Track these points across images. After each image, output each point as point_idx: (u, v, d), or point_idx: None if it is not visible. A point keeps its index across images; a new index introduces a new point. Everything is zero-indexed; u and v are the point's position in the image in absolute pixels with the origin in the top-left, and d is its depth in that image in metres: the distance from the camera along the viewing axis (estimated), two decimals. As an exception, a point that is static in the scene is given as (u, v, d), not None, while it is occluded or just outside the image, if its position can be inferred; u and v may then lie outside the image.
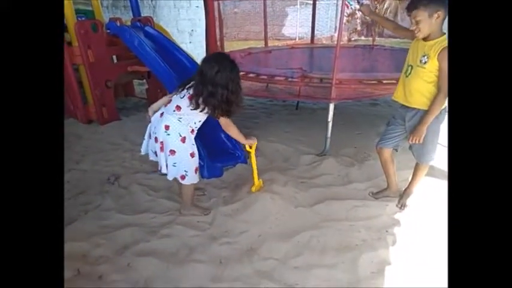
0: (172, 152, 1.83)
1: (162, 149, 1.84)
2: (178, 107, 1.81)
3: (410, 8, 1.63)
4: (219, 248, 1.77)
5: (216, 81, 1.71)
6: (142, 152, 2.03)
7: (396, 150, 2.10)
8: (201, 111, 1.78)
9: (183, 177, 1.90)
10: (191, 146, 1.88)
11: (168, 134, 1.81)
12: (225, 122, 1.88)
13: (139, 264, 1.65)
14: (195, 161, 1.92)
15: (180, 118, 1.81)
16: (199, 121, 1.90)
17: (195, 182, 1.96)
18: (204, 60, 1.80)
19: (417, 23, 1.63)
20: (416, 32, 1.67)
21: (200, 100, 1.74)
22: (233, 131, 1.94)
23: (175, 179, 1.94)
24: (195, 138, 1.93)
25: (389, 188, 2.18)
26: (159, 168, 1.91)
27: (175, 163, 1.86)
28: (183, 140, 1.83)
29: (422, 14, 1.60)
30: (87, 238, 1.82)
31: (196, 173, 1.94)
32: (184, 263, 1.67)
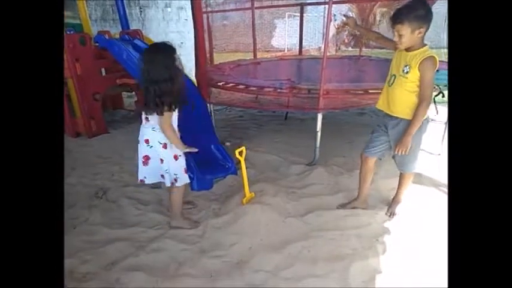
0: (161, 160, 1.87)
1: (145, 163, 1.88)
2: (146, 118, 1.84)
3: (394, 21, 1.67)
4: (209, 262, 1.75)
5: (153, 79, 1.69)
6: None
7: (380, 159, 2.12)
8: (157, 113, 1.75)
9: (176, 181, 1.93)
10: (172, 149, 1.89)
11: (151, 147, 1.85)
12: (162, 120, 1.77)
13: (128, 280, 1.62)
14: (180, 162, 1.93)
15: (154, 128, 1.83)
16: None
17: (187, 181, 1.99)
18: (140, 65, 1.77)
19: (400, 36, 1.68)
20: (398, 43, 1.73)
21: (151, 104, 1.74)
22: (168, 132, 1.80)
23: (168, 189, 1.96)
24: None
25: (359, 198, 2.17)
26: (159, 184, 1.95)
27: (167, 170, 1.89)
28: (165, 146, 1.85)
29: (405, 29, 1.65)
30: (74, 254, 1.78)
31: (186, 173, 1.96)
32: (174, 278, 1.64)
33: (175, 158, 1.90)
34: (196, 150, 1.97)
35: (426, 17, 1.63)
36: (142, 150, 1.87)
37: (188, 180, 1.99)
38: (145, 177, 1.94)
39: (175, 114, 1.85)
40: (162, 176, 1.93)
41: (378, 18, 11.50)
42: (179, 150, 1.89)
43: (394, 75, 1.82)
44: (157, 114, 1.75)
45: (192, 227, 2.04)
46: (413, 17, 1.62)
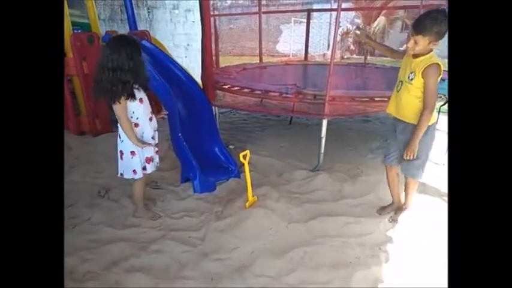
0: (133, 152, 1.93)
1: (121, 157, 1.95)
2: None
3: (416, 32, 1.67)
4: (210, 265, 1.73)
5: (108, 66, 1.72)
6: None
7: None
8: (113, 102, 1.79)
9: (144, 169, 2.00)
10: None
11: (122, 141, 1.92)
12: (116, 108, 1.81)
13: (128, 281, 1.61)
14: (146, 151, 1.97)
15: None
16: (133, 111, 1.88)
17: (151, 170, 2.03)
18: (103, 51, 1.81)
19: (415, 44, 1.70)
20: (410, 49, 1.74)
21: (103, 91, 1.78)
22: (123, 120, 1.84)
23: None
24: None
25: (394, 203, 2.19)
26: (130, 175, 1.99)
27: (140, 161, 1.97)
28: None
29: (422, 41, 1.67)
30: (74, 253, 1.77)
31: (149, 162, 2.01)
32: (175, 280, 1.63)
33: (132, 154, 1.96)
34: (152, 144, 2.00)
35: (445, 33, 1.65)
36: (118, 145, 1.96)
37: (149, 171, 2.02)
38: (123, 171, 2.00)
39: (140, 105, 1.89)
40: (143, 167, 1.98)
41: (374, 25, 11.57)
42: (133, 144, 1.89)
43: (402, 82, 1.85)
44: (108, 101, 1.79)
45: (151, 219, 2.12)
46: (435, 32, 1.64)
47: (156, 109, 4.53)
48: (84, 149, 3.30)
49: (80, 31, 3.66)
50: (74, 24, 3.52)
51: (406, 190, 2.10)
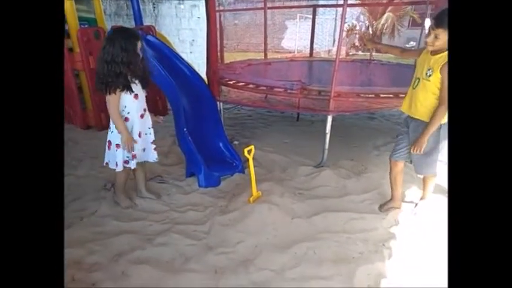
0: (118, 145, 1.96)
1: (109, 147, 2.00)
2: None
3: (437, 25, 1.64)
4: (214, 258, 1.75)
5: (104, 59, 1.77)
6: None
7: (410, 162, 2.12)
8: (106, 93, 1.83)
9: (127, 162, 2.03)
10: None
11: (112, 132, 1.97)
12: (108, 100, 1.85)
13: (134, 272, 1.64)
14: (136, 146, 2.00)
15: None
16: (125, 105, 1.92)
17: (134, 166, 2.05)
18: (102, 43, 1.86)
19: (436, 38, 1.67)
20: (429, 44, 1.71)
21: (99, 82, 1.82)
22: (112, 112, 1.87)
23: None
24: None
25: (394, 200, 2.20)
26: (114, 166, 2.03)
27: (127, 155, 2.01)
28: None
29: (443, 34, 1.63)
30: (81, 245, 1.80)
31: (134, 158, 2.03)
32: (180, 272, 1.65)
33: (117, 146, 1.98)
34: (136, 141, 1.99)
35: None
36: (108, 135, 1.99)
37: (131, 166, 2.04)
38: (109, 161, 2.04)
39: (133, 101, 1.91)
40: (126, 161, 2.01)
41: (382, 22, 11.45)
42: (122, 131, 1.90)
43: (418, 79, 1.84)
44: (104, 92, 1.82)
45: (127, 207, 2.17)
46: None
47: (161, 105, 4.56)
48: (89, 143, 3.33)
49: (86, 26, 3.69)
50: (80, 19, 3.54)
51: (424, 184, 2.14)
